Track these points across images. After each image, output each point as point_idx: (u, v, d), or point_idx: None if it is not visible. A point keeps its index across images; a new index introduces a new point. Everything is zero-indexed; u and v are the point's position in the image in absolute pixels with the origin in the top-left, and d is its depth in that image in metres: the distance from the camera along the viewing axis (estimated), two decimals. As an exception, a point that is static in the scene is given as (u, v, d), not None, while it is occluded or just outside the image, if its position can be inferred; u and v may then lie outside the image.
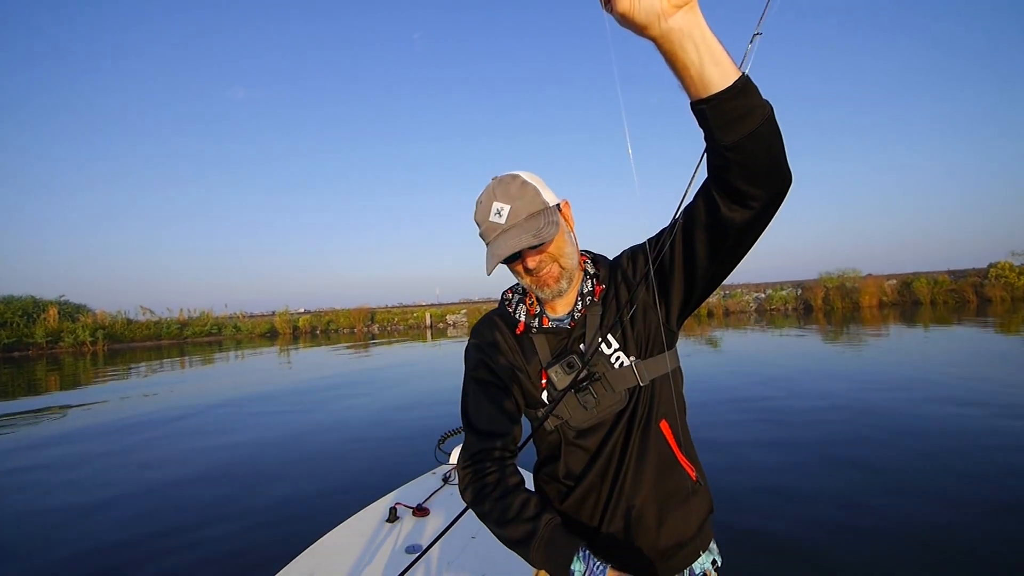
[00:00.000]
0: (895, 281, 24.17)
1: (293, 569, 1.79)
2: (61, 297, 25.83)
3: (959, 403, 5.34)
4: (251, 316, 33.10)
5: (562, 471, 1.01)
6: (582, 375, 0.97)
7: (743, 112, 0.67)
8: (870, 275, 24.55)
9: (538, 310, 1.06)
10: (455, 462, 2.44)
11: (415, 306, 37.09)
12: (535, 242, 0.91)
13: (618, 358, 0.98)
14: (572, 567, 0.79)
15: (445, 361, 12.87)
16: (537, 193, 0.96)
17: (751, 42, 0.75)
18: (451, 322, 29.95)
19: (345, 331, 29.05)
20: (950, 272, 24.65)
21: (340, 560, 1.83)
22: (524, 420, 1.09)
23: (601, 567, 0.78)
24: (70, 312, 25.02)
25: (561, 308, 1.05)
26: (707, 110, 0.67)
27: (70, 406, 8.62)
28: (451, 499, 2.30)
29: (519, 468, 1.02)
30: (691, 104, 0.69)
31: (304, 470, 4.51)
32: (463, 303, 36.89)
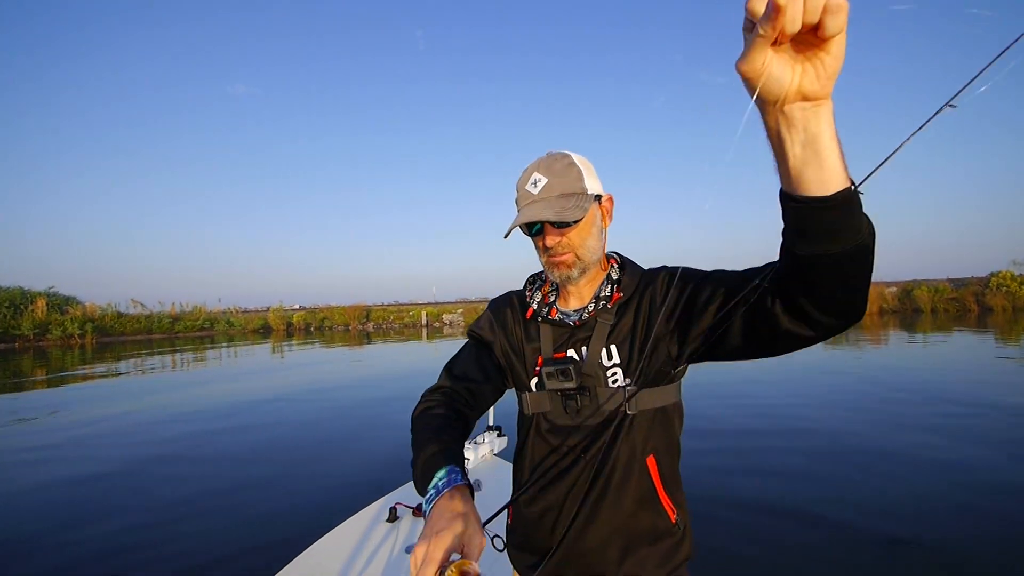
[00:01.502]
0: (895, 288, 24.04)
1: (293, 569, 1.77)
2: (50, 288, 25.47)
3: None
4: (245, 311, 32.78)
5: (528, 461, 1.02)
6: (571, 386, 0.95)
7: (831, 229, 0.57)
8: (870, 282, 24.36)
9: (551, 300, 1.06)
10: None
11: (411, 304, 36.80)
12: (554, 219, 0.89)
13: (615, 375, 0.94)
14: (436, 473, 0.79)
15: (442, 360, 12.61)
16: (580, 177, 0.94)
17: (938, 111, 0.67)
18: (447, 321, 29.68)
19: (340, 328, 28.75)
20: (951, 280, 24.53)
21: (340, 560, 1.82)
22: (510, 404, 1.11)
23: (458, 478, 0.77)
24: (59, 304, 24.62)
25: (574, 303, 1.03)
26: (790, 209, 0.58)
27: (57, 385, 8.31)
28: None
29: (478, 430, 1.01)
30: (780, 191, 0.59)
31: (304, 470, 4.44)
32: (460, 302, 36.65)
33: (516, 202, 0.99)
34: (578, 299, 1.02)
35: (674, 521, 0.94)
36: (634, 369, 0.93)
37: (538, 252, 1.00)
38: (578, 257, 0.95)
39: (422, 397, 1.04)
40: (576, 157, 0.97)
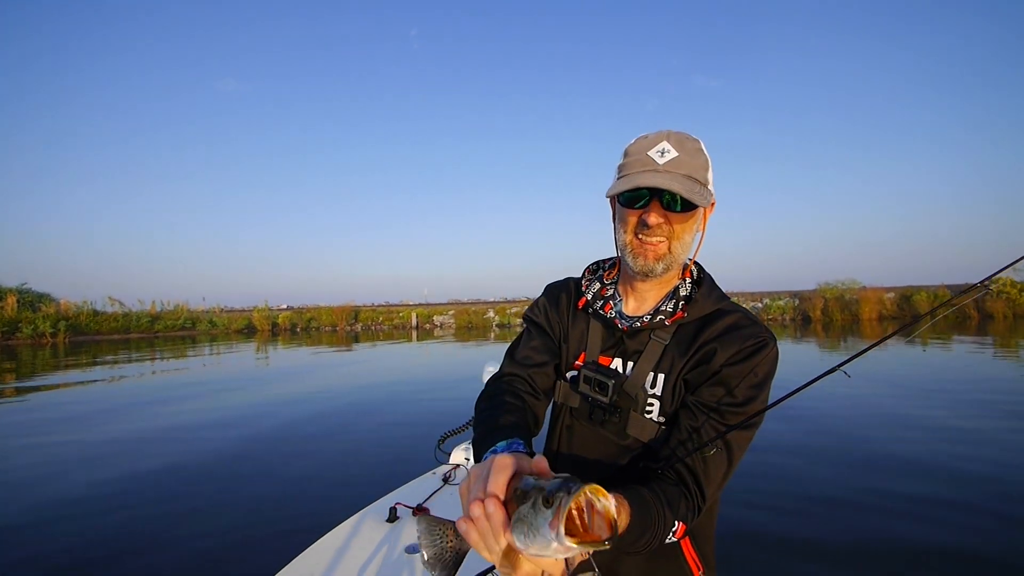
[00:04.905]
0: (894, 294, 23.81)
1: (293, 569, 1.75)
2: (23, 285, 24.46)
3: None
4: (229, 311, 31.82)
5: (554, 457, 0.98)
6: (603, 400, 0.89)
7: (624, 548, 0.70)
8: (864, 287, 24.10)
9: (609, 293, 0.98)
10: (455, 462, 2.53)
11: (401, 305, 36.06)
12: (683, 193, 0.79)
13: (652, 407, 0.87)
14: (497, 443, 0.77)
15: (439, 361, 12.03)
16: (707, 168, 0.86)
17: (829, 372, 0.84)
18: (438, 323, 29.01)
19: (327, 329, 27.94)
20: (949, 286, 24.33)
21: (340, 560, 1.81)
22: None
23: (520, 447, 0.75)
24: (31, 301, 23.62)
25: (632, 305, 0.95)
26: None
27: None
28: (451, 499, 2.29)
29: (534, 411, 0.96)
30: None
31: (304, 470, 4.41)
32: (451, 304, 35.98)
33: (622, 167, 0.87)
34: (638, 302, 0.95)
35: None
36: (668, 410, 0.86)
37: (622, 230, 0.89)
38: (670, 250, 0.85)
39: (486, 385, 1.01)
40: (704, 146, 0.88)
